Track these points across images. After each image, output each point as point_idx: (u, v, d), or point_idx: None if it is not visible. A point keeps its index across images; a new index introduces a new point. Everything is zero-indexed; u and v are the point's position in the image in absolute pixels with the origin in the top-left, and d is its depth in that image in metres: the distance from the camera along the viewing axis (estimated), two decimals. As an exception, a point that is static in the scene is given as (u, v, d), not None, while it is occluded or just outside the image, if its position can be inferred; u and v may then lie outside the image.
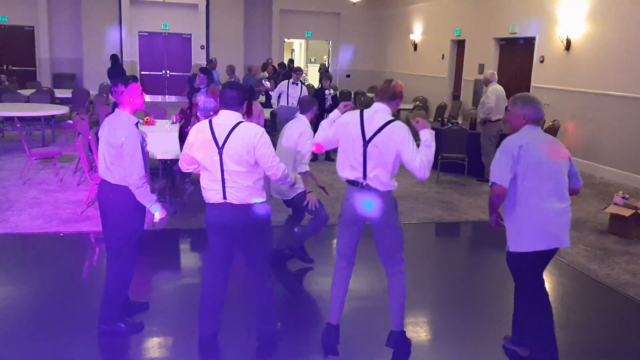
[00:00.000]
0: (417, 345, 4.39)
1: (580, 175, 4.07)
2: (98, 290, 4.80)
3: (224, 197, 3.82)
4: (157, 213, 4.14)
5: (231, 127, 3.78)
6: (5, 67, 18.58)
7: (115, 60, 15.02)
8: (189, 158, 3.94)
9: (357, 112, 3.98)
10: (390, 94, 3.95)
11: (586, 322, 4.94)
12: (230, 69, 13.87)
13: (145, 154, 4.13)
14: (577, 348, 4.50)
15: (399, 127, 3.85)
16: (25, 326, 4.37)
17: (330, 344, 4.13)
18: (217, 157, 3.77)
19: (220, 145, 3.76)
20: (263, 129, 3.90)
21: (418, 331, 4.60)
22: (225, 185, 3.80)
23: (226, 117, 3.84)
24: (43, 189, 8.13)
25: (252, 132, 3.78)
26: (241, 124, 3.81)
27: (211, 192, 3.86)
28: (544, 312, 4.05)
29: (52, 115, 11.55)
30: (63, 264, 5.72)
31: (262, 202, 3.94)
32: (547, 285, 5.67)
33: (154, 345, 4.24)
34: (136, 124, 4.09)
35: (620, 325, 4.90)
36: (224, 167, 3.77)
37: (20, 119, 11.38)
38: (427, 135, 3.95)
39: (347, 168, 3.94)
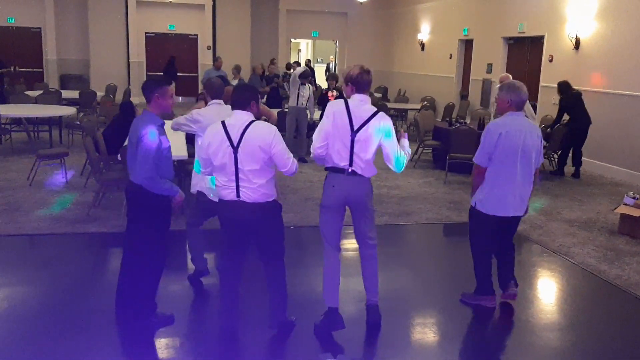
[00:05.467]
0: (425, 346, 4.38)
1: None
2: (107, 290, 4.83)
3: (238, 196, 3.94)
4: (177, 196, 4.26)
5: (244, 126, 3.91)
6: (12, 69, 18.65)
7: (172, 62, 15.61)
8: (206, 160, 4.04)
9: (341, 101, 4.15)
10: (370, 85, 4.22)
11: (596, 323, 4.88)
12: (236, 69, 13.88)
13: (168, 156, 4.21)
14: (587, 349, 4.46)
15: (386, 118, 4.14)
16: (35, 326, 4.36)
17: (336, 328, 4.27)
18: (232, 157, 3.89)
19: (235, 145, 3.88)
20: (275, 127, 4.03)
21: (426, 332, 4.57)
22: (240, 184, 3.92)
23: (239, 118, 3.97)
24: (50, 190, 8.14)
25: (267, 131, 3.93)
26: (254, 122, 3.95)
27: (225, 191, 3.98)
28: (490, 263, 4.87)
29: (60, 117, 11.56)
30: (71, 264, 5.71)
31: (273, 200, 4.06)
32: (557, 286, 5.66)
33: (161, 345, 4.23)
34: (160, 125, 4.16)
35: (630, 326, 4.85)
36: (239, 166, 3.89)
37: (28, 120, 11.44)
38: (406, 143, 4.33)
39: (334, 156, 4.11)
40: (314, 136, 4.18)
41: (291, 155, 4.02)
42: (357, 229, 4.39)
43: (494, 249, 4.93)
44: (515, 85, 4.59)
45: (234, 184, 3.93)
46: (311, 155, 4.25)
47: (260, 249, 4.20)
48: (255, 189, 3.93)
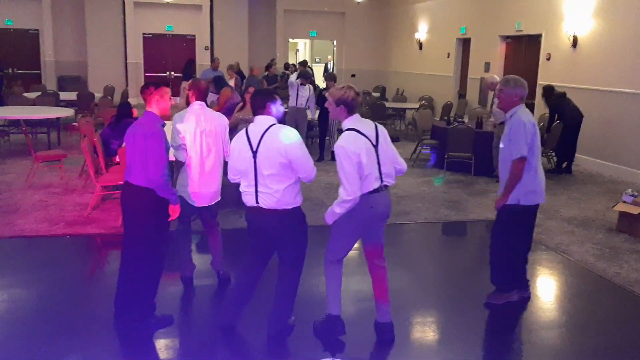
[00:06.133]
0: (425, 345, 4.38)
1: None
2: (106, 292, 4.83)
3: (256, 202, 3.95)
4: (176, 206, 4.29)
5: (263, 130, 3.92)
6: (10, 71, 18.63)
7: (190, 64, 15.78)
8: (233, 167, 4.07)
9: (349, 132, 3.99)
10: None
11: (595, 320, 4.89)
12: (231, 69, 13.89)
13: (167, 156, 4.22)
14: (585, 346, 4.46)
15: (382, 127, 4.21)
16: (34, 328, 4.36)
17: (337, 334, 4.27)
18: (251, 162, 3.91)
19: (254, 149, 3.90)
20: (295, 132, 4.02)
21: (425, 331, 4.57)
22: (258, 189, 3.93)
23: (260, 122, 3.99)
24: (49, 192, 8.13)
25: (284, 135, 3.92)
26: (272, 126, 3.95)
27: (247, 197, 4.01)
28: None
29: (58, 118, 11.55)
30: (70, 266, 5.71)
31: (295, 208, 4.02)
32: (556, 284, 5.66)
33: (160, 346, 4.24)
34: (162, 125, 4.19)
35: (629, 323, 4.85)
36: (258, 171, 3.91)
37: (26, 122, 11.42)
38: None
39: (370, 181, 3.98)
40: (347, 182, 3.86)
41: (311, 161, 3.97)
42: (372, 246, 4.24)
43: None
44: (520, 80, 4.79)
45: (253, 189, 3.94)
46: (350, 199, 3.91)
47: (279, 255, 4.19)
48: (272, 195, 3.90)
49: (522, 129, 4.60)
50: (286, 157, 3.86)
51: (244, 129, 4.05)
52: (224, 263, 5.29)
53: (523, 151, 4.59)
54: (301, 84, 10.80)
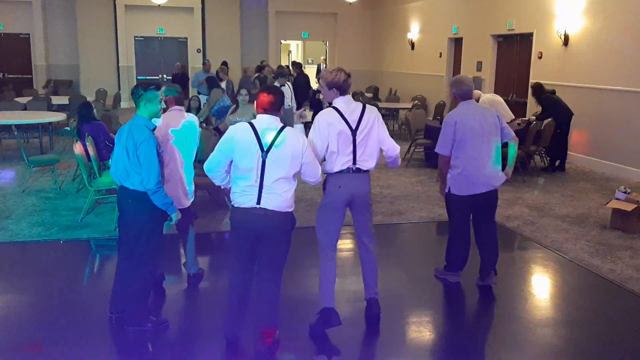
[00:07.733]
0: (421, 345, 4.38)
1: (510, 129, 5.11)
2: (100, 296, 4.81)
3: (258, 202, 3.81)
4: (174, 215, 4.30)
5: (276, 132, 3.81)
6: (1, 75, 18.54)
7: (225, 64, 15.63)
8: (225, 160, 3.88)
9: (330, 110, 4.22)
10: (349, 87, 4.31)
11: (590, 318, 4.90)
12: (223, 71, 13.86)
13: (161, 159, 4.19)
14: (580, 344, 4.47)
15: (376, 110, 4.32)
16: (29, 333, 4.34)
17: (333, 324, 4.27)
18: (259, 161, 3.77)
19: (265, 149, 3.77)
20: (305, 137, 4.01)
21: (422, 331, 4.57)
22: (262, 191, 3.80)
23: (270, 122, 3.85)
24: (42, 197, 8.09)
25: (300, 139, 3.89)
26: (286, 128, 3.86)
27: (244, 197, 3.84)
28: (464, 244, 5.21)
29: (50, 123, 11.50)
30: (64, 271, 5.68)
31: (291, 212, 3.97)
32: (550, 282, 5.67)
33: (156, 351, 4.22)
34: (151, 130, 4.15)
35: (624, 320, 4.87)
36: (265, 172, 3.78)
37: (18, 127, 11.36)
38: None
39: (339, 161, 4.17)
40: (315, 142, 4.12)
41: (319, 164, 4.01)
42: (359, 227, 4.47)
43: (468, 229, 5.21)
44: (459, 79, 5.08)
45: (256, 190, 3.79)
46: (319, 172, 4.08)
47: (264, 258, 3.99)
48: (279, 195, 3.81)
49: (444, 127, 4.91)
50: (299, 163, 3.84)
51: (248, 123, 3.85)
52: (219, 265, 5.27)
53: (439, 148, 4.96)
54: (281, 85, 10.68)
